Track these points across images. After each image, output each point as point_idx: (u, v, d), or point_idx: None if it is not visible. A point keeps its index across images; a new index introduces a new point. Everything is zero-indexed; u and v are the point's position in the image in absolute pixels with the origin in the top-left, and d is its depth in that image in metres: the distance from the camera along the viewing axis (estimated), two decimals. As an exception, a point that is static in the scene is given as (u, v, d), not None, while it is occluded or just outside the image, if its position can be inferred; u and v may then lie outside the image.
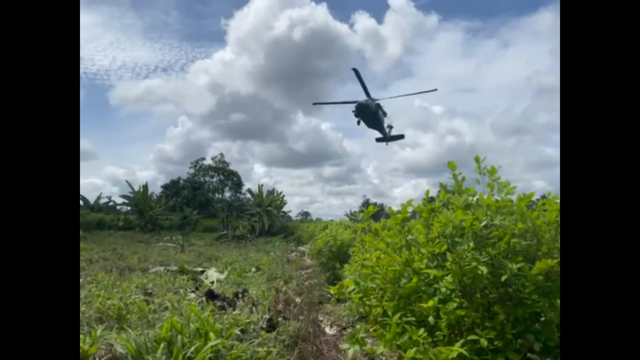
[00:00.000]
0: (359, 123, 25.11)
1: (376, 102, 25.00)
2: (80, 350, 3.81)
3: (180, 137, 71.76)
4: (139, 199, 37.11)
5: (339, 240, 12.04)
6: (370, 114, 24.57)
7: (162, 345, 4.08)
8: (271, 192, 45.41)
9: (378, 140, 29.04)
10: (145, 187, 38.83)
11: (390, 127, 28.61)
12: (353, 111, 24.21)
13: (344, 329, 7.25)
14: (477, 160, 2.98)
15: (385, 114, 26.59)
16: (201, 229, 39.06)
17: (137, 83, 69.14)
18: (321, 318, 7.44)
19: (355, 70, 23.44)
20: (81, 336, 4.13)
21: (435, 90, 25.28)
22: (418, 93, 28.27)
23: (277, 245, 24.09)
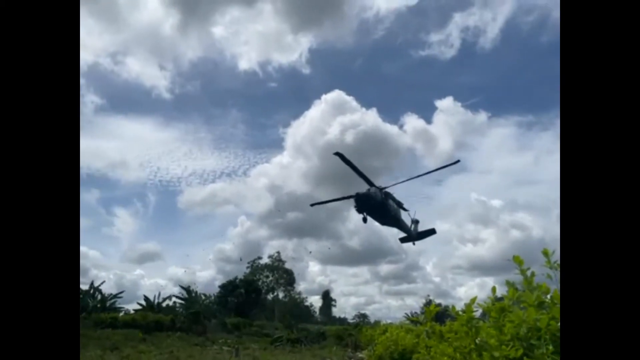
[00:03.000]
0: (365, 220, 20.42)
1: (384, 190, 20.53)
2: None
3: (239, 237, 74.48)
4: (193, 301, 37.70)
5: (400, 345, 11.14)
6: (376, 206, 20.00)
7: None
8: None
9: (402, 240, 24.41)
10: (196, 292, 40.01)
11: (416, 221, 24.01)
12: (355, 207, 20.01)
13: None
14: (545, 253, 2.83)
15: (401, 205, 21.99)
16: (256, 331, 37.95)
17: (203, 188, 75.05)
18: None
19: (340, 155, 19.30)
20: None
21: (458, 162, 21.05)
22: (438, 169, 22.81)
23: (334, 350, 22.59)
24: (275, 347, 25.12)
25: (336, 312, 65.52)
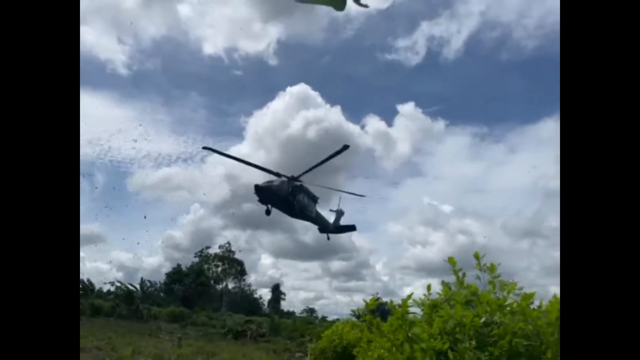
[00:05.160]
0: (267, 212, 19.28)
1: (296, 182, 19.39)
2: None
3: (191, 225, 72.53)
4: (137, 289, 36.52)
5: (345, 339, 11.42)
6: (279, 199, 18.93)
7: None
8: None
9: (321, 231, 22.90)
10: (141, 279, 38.86)
11: (341, 212, 22.85)
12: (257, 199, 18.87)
13: None
14: (476, 256, 3.06)
15: (315, 199, 20.82)
16: (201, 321, 37.26)
17: (156, 171, 72.18)
18: None
19: (209, 148, 19.25)
20: None
21: (347, 147, 18.86)
22: (330, 157, 19.69)
23: (280, 342, 22.70)
24: (221, 338, 24.82)
25: (285, 305, 65.75)
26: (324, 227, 22.53)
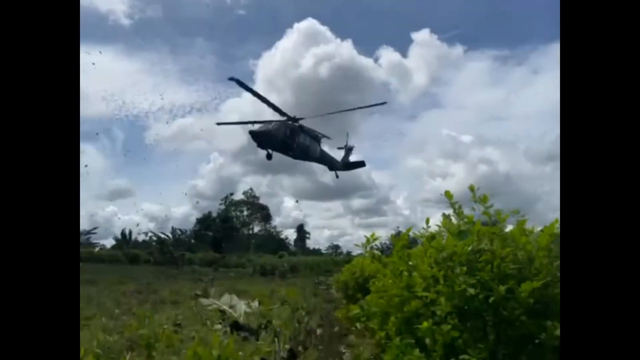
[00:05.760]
0: (269, 157, 18.83)
1: (297, 124, 18.75)
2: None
3: (212, 174, 74.35)
4: (170, 237, 38.69)
5: (366, 271, 11.99)
6: (277, 142, 18.36)
7: (185, 370, 4.33)
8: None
9: (330, 168, 22.56)
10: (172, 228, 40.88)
11: (349, 149, 22.23)
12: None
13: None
14: (471, 189, 3.17)
15: (317, 138, 20.10)
16: (231, 263, 39.55)
17: (172, 123, 72.80)
18: (343, 350, 7.45)
19: (237, 80, 18.20)
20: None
21: (385, 103, 19.66)
22: (364, 107, 21.54)
23: (307, 278, 24.02)
24: (250, 277, 26.46)
25: (310, 244, 68.56)
26: (332, 165, 22.38)
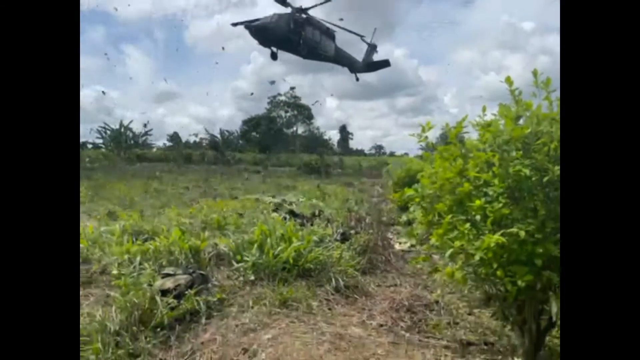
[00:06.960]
0: (274, 57, 16.08)
1: (303, 16, 15.49)
2: (194, 246, 4.87)
3: (253, 75, 73.69)
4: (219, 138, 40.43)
5: (412, 170, 12.27)
6: (281, 38, 15.15)
7: (255, 245, 5.02)
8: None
9: (351, 70, 19.88)
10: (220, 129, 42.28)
11: (373, 47, 19.39)
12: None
13: (413, 245, 7.85)
14: (534, 74, 3.09)
15: (331, 34, 16.95)
16: (278, 162, 41.34)
17: (209, 20, 70.60)
18: (390, 236, 8.11)
19: None
20: (191, 238, 5.20)
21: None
22: None
23: (350, 176, 24.91)
24: (298, 175, 27.81)
25: (353, 144, 69.19)
26: (352, 66, 19.84)
